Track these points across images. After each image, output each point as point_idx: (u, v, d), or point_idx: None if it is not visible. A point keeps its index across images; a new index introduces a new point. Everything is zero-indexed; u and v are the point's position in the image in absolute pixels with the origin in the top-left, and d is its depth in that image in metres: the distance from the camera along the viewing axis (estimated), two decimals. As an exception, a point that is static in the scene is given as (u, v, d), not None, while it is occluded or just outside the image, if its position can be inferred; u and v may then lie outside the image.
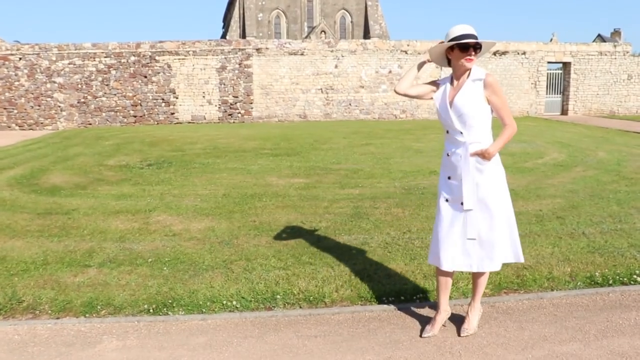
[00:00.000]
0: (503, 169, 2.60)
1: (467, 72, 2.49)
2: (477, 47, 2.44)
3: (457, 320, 2.78)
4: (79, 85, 17.01)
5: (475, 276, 2.69)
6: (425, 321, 2.78)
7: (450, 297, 2.90)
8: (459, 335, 2.64)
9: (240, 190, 6.23)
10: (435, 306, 2.86)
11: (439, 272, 2.68)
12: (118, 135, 13.57)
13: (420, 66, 2.66)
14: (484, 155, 2.45)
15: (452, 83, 2.55)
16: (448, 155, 2.55)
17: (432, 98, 2.61)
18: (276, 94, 17.94)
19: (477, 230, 2.52)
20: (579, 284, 3.27)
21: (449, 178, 2.56)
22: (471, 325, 2.67)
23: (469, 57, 2.43)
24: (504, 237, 2.53)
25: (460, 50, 2.43)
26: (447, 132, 2.55)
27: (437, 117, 2.61)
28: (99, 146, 11.25)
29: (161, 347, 2.59)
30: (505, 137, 2.49)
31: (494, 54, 18.54)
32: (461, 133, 2.48)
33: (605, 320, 2.78)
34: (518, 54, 18.78)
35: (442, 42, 2.50)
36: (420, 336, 2.64)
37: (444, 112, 2.52)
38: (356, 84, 18.24)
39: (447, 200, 2.57)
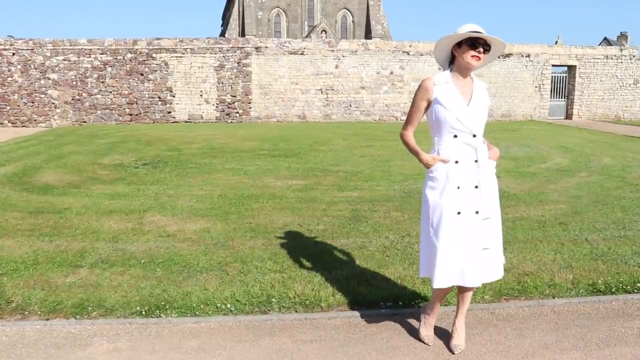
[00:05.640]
0: None
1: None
2: (485, 47, 2.29)
3: (444, 334, 2.69)
4: (74, 82, 16.86)
5: (468, 288, 2.54)
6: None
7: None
8: (453, 352, 2.50)
9: (237, 191, 6.17)
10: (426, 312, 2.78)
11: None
12: (113, 134, 13.48)
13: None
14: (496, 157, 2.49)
15: (455, 82, 2.35)
16: (457, 162, 2.33)
17: (428, 102, 2.35)
18: (275, 93, 17.87)
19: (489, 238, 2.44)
20: (581, 291, 3.23)
21: (457, 188, 2.34)
22: (463, 340, 2.56)
23: (476, 55, 2.26)
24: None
25: (469, 46, 2.27)
26: (455, 136, 2.34)
27: (435, 119, 2.35)
28: (94, 144, 11.16)
29: (153, 350, 2.54)
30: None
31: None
32: (474, 136, 2.35)
33: (608, 329, 2.73)
34: (522, 56, 18.68)
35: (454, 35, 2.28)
36: (428, 344, 2.58)
37: (459, 111, 2.29)
38: (357, 84, 18.18)
39: (458, 214, 2.34)
